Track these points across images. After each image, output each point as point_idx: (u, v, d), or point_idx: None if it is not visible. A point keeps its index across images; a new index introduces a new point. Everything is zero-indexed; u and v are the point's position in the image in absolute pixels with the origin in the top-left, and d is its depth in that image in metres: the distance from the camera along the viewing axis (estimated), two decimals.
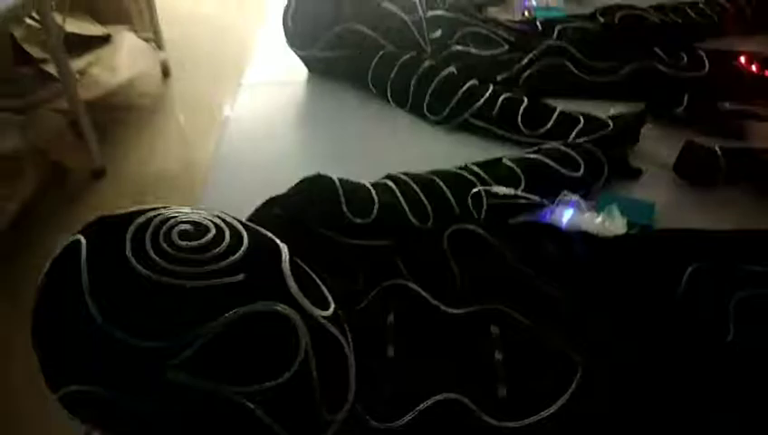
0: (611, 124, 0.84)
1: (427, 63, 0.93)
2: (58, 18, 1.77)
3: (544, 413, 0.47)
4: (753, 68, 1.05)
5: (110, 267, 0.40)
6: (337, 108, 0.97)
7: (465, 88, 0.89)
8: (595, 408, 0.49)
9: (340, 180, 0.65)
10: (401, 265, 0.60)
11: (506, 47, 1.11)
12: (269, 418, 0.40)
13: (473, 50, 1.08)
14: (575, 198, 0.70)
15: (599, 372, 0.51)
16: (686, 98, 0.89)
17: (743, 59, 1.06)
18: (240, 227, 0.44)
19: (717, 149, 0.77)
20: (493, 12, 1.30)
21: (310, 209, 0.60)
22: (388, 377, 0.50)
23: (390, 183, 0.69)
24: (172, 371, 0.38)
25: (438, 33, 1.15)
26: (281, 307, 0.41)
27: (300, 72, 1.06)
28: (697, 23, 1.19)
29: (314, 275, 0.47)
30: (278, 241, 0.46)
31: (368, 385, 0.48)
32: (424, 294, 0.57)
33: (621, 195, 0.74)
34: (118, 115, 2.21)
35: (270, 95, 1.04)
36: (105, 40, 2.32)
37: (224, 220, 0.44)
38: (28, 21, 1.90)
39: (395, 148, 0.88)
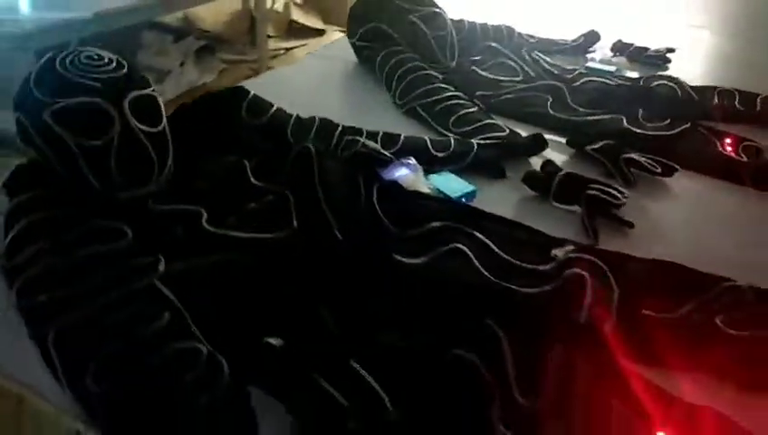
0: (513, 137, 1.00)
1: (411, 64, 1.17)
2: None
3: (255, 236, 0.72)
4: (729, 149, 1.07)
5: (46, 68, 0.76)
6: (355, 78, 1.30)
7: (425, 87, 1.12)
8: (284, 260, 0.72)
9: (256, 95, 0.96)
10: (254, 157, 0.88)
11: (519, 78, 1.29)
12: (87, 168, 0.73)
13: (487, 73, 1.29)
14: (413, 162, 0.90)
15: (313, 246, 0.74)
16: (601, 142, 1.00)
17: (728, 139, 1.09)
18: (125, 63, 0.77)
19: (562, 172, 0.89)
20: (554, 58, 1.45)
21: (218, 102, 0.93)
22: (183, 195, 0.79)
23: (301, 114, 0.98)
24: (47, 114, 0.73)
25: (479, 57, 1.37)
26: (109, 107, 0.73)
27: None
28: (713, 105, 1.22)
29: (162, 111, 0.79)
30: (146, 84, 0.79)
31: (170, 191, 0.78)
32: (249, 171, 0.84)
33: (460, 177, 0.91)
34: None
35: (326, 62, 1.40)
36: (320, 33, 2.90)
37: (118, 60, 0.78)
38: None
39: (367, 112, 1.16)
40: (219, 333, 0.59)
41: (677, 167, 0.95)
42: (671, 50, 1.48)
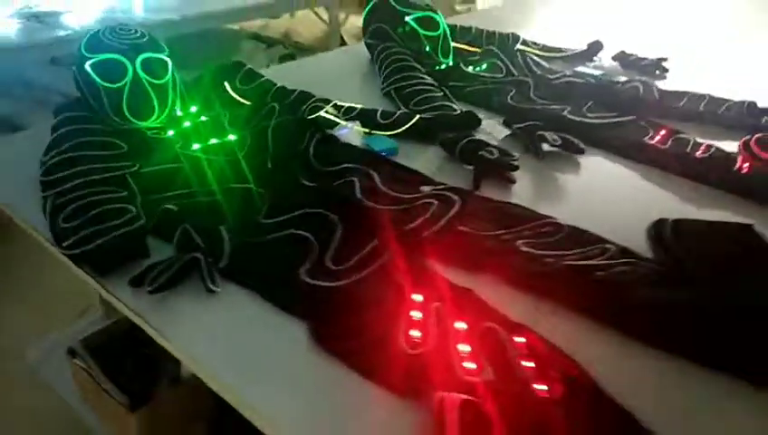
0: (457, 113, 1.20)
1: (397, 56, 1.41)
2: None
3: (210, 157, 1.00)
4: (658, 139, 1.18)
5: (93, 35, 1.09)
6: (363, 69, 1.56)
7: (401, 75, 1.35)
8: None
9: (250, 68, 1.25)
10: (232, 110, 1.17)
11: (502, 75, 1.47)
12: (107, 103, 1.05)
13: (468, 68, 1.48)
14: (356, 124, 1.14)
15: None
16: (526, 123, 1.16)
17: (663, 131, 1.20)
18: (147, 34, 1.09)
19: (466, 138, 1.07)
20: (553, 64, 1.61)
21: (221, 71, 1.23)
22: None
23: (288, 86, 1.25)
24: (87, 65, 1.06)
25: (476, 57, 1.57)
26: (125, 62, 1.05)
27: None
28: (672, 106, 1.32)
29: (169, 70, 1.09)
30: (159, 50, 1.10)
31: None
32: (226, 121, 1.12)
33: (395, 140, 1.13)
34: None
35: (345, 56, 1.67)
36: None
37: (143, 32, 1.10)
38: None
39: (363, 95, 1.40)
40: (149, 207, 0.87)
41: (582, 145, 1.09)
42: (663, 59, 1.57)
